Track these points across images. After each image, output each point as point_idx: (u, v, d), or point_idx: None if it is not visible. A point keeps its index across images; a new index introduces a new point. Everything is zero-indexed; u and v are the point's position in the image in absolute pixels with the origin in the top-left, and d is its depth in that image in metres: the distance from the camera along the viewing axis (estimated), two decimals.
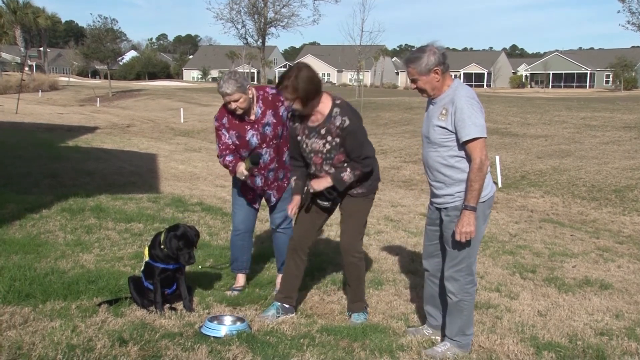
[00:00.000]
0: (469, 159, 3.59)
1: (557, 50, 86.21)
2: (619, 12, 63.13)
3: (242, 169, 4.32)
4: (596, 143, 16.71)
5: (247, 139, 4.47)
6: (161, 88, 54.57)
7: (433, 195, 3.87)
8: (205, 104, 35.69)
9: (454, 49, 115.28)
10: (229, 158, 4.47)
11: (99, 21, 48.17)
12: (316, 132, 4.11)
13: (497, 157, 12.88)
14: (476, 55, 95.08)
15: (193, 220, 7.17)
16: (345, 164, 4.08)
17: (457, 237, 3.60)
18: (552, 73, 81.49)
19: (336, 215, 4.48)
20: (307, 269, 5.45)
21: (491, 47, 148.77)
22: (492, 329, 4.30)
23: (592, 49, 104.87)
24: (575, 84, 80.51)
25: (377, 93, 48.25)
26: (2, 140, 15.62)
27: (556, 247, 7.32)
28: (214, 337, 3.71)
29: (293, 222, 4.54)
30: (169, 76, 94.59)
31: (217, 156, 4.60)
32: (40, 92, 43.91)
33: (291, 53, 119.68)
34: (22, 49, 51.35)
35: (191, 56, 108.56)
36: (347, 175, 4.05)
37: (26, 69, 51.78)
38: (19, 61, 64.62)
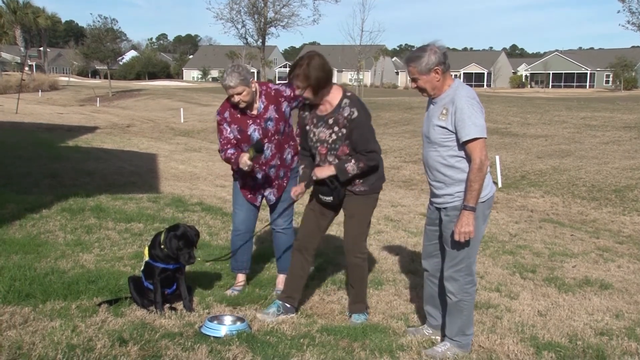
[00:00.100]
0: (468, 159, 3.59)
1: (557, 50, 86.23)
2: (619, 12, 63.24)
3: (245, 158, 4.30)
4: (596, 143, 16.71)
5: (249, 133, 4.46)
6: (161, 88, 54.57)
7: (433, 195, 3.87)
8: (205, 104, 35.68)
9: (454, 49, 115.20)
10: (230, 151, 4.46)
11: (99, 21, 48.23)
12: (324, 122, 4.12)
13: (497, 157, 12.87)
14: (476, 55, 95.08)
15: (193, 220, 7.17)
16: (350, 157, 4.08)
17: (456, 237, 3.60)
18: (552, 73, 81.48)
19: (339, 215, 4.47)
20: None
21: (491, 47, 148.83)
22: (492, 329, 4.30)
23: (592, 49, 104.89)
24: (575, 84, 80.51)
25: (377, 93, 48.26)
26: (2, 140, 15.62)
27: (556, 247, 7.32)
28: (214, 337, 3.71)
29: (294, 220, 4.54)
30: (169, 76, 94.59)
31: (219, 151, 4.59)
32: (40, 92, 43.90)
33: (291, 53, 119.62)
34: (22, 49, 51.35)
35: (191, 56, 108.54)
36: (351, 166, 4.05)
37: (26, 68, 51.78)
38: (19, 61, 64.64)
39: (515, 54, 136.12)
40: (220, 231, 6.76)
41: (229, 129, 4.51)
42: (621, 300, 5.31)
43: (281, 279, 4.90)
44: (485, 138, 3.58)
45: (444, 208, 3.75)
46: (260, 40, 40.98)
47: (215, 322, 3.86)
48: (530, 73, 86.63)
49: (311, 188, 4.32)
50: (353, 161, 4.05)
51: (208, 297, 4.54)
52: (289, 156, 4.64)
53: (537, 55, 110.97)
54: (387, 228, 7.72)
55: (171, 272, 4.21)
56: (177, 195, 8.90)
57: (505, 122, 21.47)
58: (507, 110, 24.53)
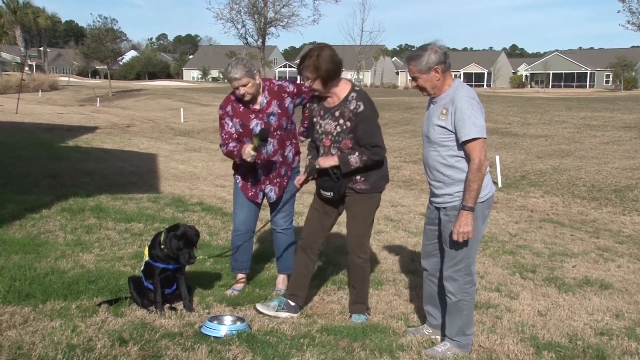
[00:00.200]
0: (468, 159, 3.59)
1: (557, 50, 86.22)
2: (619, 12, 63.27)
3: (248, 149, 4.29)
4: (596, 143, 16.70)
5: (251, 127, 4.46)
6: (161, 88, 54.56)
7: (432, 194, 3.88)
8: (205, 104, 35.67)
9: (454, 49, 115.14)
10: (232, 144, 4.46)
11: (99, 21, 48.17)
12: (330, 114, 4.14)
13: (497, 157, 12.87)
14: (476, 55, 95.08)
15: (193, 220, 7.17)
16: (354, 150, 4.08)
17: (455, 237, 3.60)
18: (552, 73, 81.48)
19: (342, 215, 4.47)
20: None
21: (491, 47, 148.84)
22: (492, 328, 4.30)
23: (592, 48, 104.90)
24: (575, 83, 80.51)
25: (377, 93, 48.26)
26: (2, 140, 15.62)
27: (556, 247, 7.32)
28: (214, 337, 3.71)
29: (294, 219, 4.53)
30: (169, 76, 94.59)
31: (220, 146, 4.58)
32: (40, 92, 43.89)
33: (291, 53, 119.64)
34: (22, 49, 51.34)
35: (191, 56, 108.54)
36: (354, 158, 4.05)
37: (26, 68, 51.77)
38: (19, 61, 64.63)
39: (515, 54, 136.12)
40: (220, 231, 6.76)
41: (230, 124, 4.50)
42: (621, 300, 5.31)
43: (281, 279, 4.91)
44: (485, 138, 3.58)
45: (444, 208, 3.76)
46: (260, 40, 40.96)
47: (215, 322, 3.86)
48: (530, 73, 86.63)
49: (314, 186, 4.33)
50: (357, 154, 4.06)
51: (208, 297, 4.54)
52: (290, 154, 4.64)
53: (537, 55, 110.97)
54: (387, 228, 7.72)
55: (171, 272, 4.21)
56: (177, 195, 8.90)
57: (505, 122, 21.46)
58: (507, 110, 24.52)
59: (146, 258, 4.26)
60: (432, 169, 3.79)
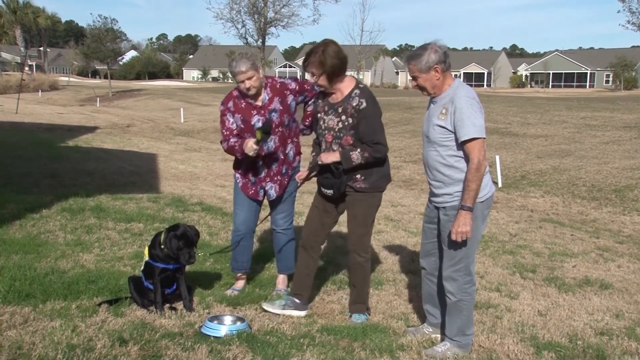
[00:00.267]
0: (468, 158, 3.59)
1: (557, 50, 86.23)
2: (619, 12, 63.16)
3: (251, 143, 4.29)
4: (596, 143, 16.70)
5: (253, 123, 4.45)
6: (161, 88, 54.56)
7: (432, 194, 3.88)
8: (205, 103, 35.68)
9: (454, 49, 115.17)
10: (233, 139, 4.46)
11: (99, 21, 48.19)
12: (334, 110, 4.16)
13: (497, 157, 12.86)
14: (476, 55, 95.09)
15: (193, 220, 7.17)
16: (356, 146, 4.09)
17: (453, 237, 3.60)
18: (552, 73, 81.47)
19: (343, 215, 4.47)
20: None
21: (491, 47, 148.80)
22: (492, 328, 4.30)
23: (592, 48, 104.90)
24: (575, 83, 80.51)
25: (377, 93, 47.91)
26: (2, 140, 15.62)
27: (556, 246, 7.31)
28: (214, 336, 3.71)
29: (294, 220, 4.53)
30: (169, 76, 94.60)
31: (221, 142, 4.58)
32: (40, 92, 43.90)
33: (291, 53, 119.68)
34: (22, 49, 51.33)
35: (191, 56, 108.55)
36: (356, 155, 4.06)
37: (26, 68, 51.77)
38: (19, 61, 64.63)
39: (515, 53, 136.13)
40: (220, 231, 6.76)
41: (231, 120, 4.50)
42: (621, 300, 5.31)
43: (281, 279, 4.91)
44: (484, 138, 3.58)
45: (443, 207, 3.76)
46: (260, 40, 40.94)
47: (215, 322, 3.86)
48: (530, 73, 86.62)
49: (314, 186, 4.34)
50: (358, 150, 4.06)
51: (208, 297, 4.54)
52: (291, 152, 4.63)
53: (537, 55, 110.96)
54: (387, 228, 7.72)
55: (171, 272, 4.21)
56: (177, 195, 8.90)
57: (505, 122, 21.46)
58: (507, 110, 24.52)
59: (146, 258, 4.26)
60: (432, 168, 3.80)
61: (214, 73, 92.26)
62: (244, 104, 4.48)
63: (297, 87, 4.55)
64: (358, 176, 4.15)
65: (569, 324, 4.52)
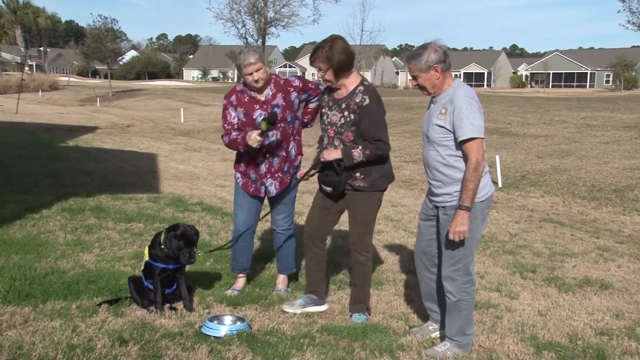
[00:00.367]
0: (467, 158, 3.59)
1: (557, 50, 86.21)
2: (619, 12, 63.10)
3: (255, 135, 4.28)
4: (596, 143, 16.70)
5: (254, 117, 4.45)
6: (161, 88, 54.56)
7: (432, 193, 3.88)
8: (206, 103, 35.69)
9: (454, 49, 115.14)
10: (235, 133, 4.46)
11: (99, 21, 48.21)
12: (337, 105, 4.18)
13: (497, 157, 12.86)
14: (476, 55, 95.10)
15: (193, 220, 7.16)
16: (357, 144, 4.10)
17: (450, 236, 3.60)
18: (552, 73, 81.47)
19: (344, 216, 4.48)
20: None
21: (491, 47, 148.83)
22: (492, 328, 4.30)
23: (592, 48, 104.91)
24: (575, 83, 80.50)
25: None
26: (2, 140, 15.62)
27: (556, 246, 7.31)
28: (214, 336, 3.71)
29: (295, 220, 4.52)
30: (169, 76, 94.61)
31: (222, 136, 4.58)
32: (40, 92, 43.89)
33: (291, 53, 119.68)
34: (22, 49, 51.32)
35: (191, 56, 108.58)
36: (357, 152, 4.06)
37: (26, 68, 51.77)
38: (19, 61, 64.63)
39: (515, 53, 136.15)
40: (220, 231, 6.76)
41: (233, 114, 4.50)
42: (621, 300, 5.31)
43: (281, 279, 4.90)
44: (483, 138, 3.58)
45: (443, 207, 3.76)
46: (260, 40, 40.93)
47: (215, 322, 3.86)
48: (531, 73, 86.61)
49: (315, 186, 4.35)
50: (360, 147, 4.07)
51: (208, 297, 4.54)
52: (293, 150, 4.62)
53: (537, 55, 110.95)
54: (387, 228, 7.72)
55: (171, 272, 4.21)
56: (177, 195, 8.90)
57: (505, 122, 21.46)
58: (507, 110, 24.52)
59: (146, 258, 4.25)
60: (431, 168, 3.80)
61: (214, 73, 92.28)
62: (247, 98, 4.49)
63: (300, 85, 4.55)
64: (358, 175, 4.15)
65: (569, 324, 4.52)
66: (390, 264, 5.96)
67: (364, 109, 4.07)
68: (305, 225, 4.51)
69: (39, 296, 4.18)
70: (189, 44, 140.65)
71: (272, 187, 4.60)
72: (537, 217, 9.65)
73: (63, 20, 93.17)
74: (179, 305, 4.27)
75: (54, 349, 3.34)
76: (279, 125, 4.45)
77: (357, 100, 4.09)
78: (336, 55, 4.05)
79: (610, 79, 74.98)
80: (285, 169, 4.60)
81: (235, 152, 4.64)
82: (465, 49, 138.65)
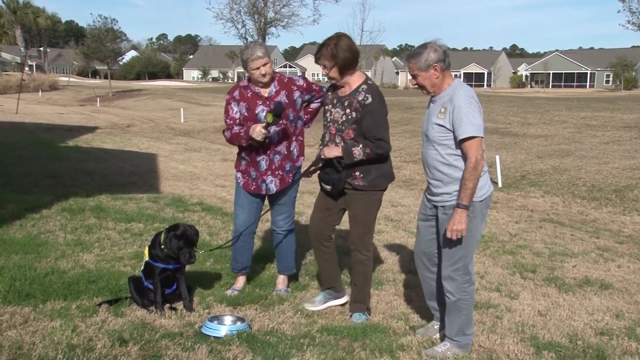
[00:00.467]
0: (466, 158, 3.60)
1: (557, 50, 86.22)
2: (619, 12, 62.96)
3: (259, 127, 4.28)
4: (596, 143, 16.70)
5: (256, 112, 4.45)
6: (161, 88, 54.56)
7: (431, 193, 3.88)
8: (205, 103, 35.69)
9: (454, 49, 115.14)
10: (237, 128, 4.46)
11: (99, 21, 48.21)
12: (341, 103, 4.20)
13: (497, 157, 12.86)
14: (476, 55, 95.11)
15: (193, 220, 7.16)
16: (358, 142, 4.11)
17: (448, 235, 3.61)
18: (552, 73, 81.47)
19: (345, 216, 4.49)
20: (307, 269, 5.47)
21: (491, 47, 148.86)
22: (492, 328, 4.30)
23: (592, 48, 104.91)
24: (575, 83, 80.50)
25: None
26: (2, 140, 15.62)
27: (556, 246, 7.31)
28: (214, 337, 3.71)
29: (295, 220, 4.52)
30: (169, 76, 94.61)
31: (223, 132, 4.57)
32: (40, 92, 43.89)
33: (291, 53, 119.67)
34: (22, 49, 51.32)
35: (191, 56, 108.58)
36: (358, 150, 4.08)
37: (26, 68, 51.76)
38: (19, 61, 64.61)
39: (515, 54, 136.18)
40: (220, 231, 6.76)
41: (236, 109, 4.50)
42: (621, 300, 5.31)
43: (281, 279, 4.90)
44: (482, 137, 3.58)
45: (442, 206, 3.76)
46: (261, 40, 40.94)
47: (215, 322, 3.86)
48: (531, 73, 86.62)
49: (315, 187, 4.37)
50: (361, 146, 4.09)
51: (208, 297, 4.54)
52: (295, 150, 4.61)
53: (537, 55, 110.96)
54: (387, 228, 7.72)
55: (171, 272, 4.21)
56: (177, 195, 8.89)
57: (505, 122, 21.46)
58: (507, 110, 24.53)
59: (146, 258, 4.25)
60: (431, 167, 3.80)
61: (214, 73, 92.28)
62: (250, 93, 4.50)
63: (304, 85, 4.56)
64: (357, 173, 4.16)
65: (569, 324, 4.52)
66: (390, 264, 5.96)
67: (367, 108, 4.08)
68: (309, 227, 4.55)
69: (39, 296, 4.18)
70: (189, 44, 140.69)
71: (273, 184, 4.58)
72: (537, 217, 9.65)
73: (63, 20, 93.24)
74: (179, 305, 4.27)
75: (54, 349, 3.34)
76: (280, 122, 4.45)
77: (360, 99, 4.10)
78: (341, 53, 4.07)
79: (610, 79, 74.98)
80: (288, 168, 4.59)
81: (235, 152, 4.64)
82: (465, 49, 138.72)
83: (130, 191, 9.00)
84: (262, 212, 4.80)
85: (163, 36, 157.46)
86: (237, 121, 4.49)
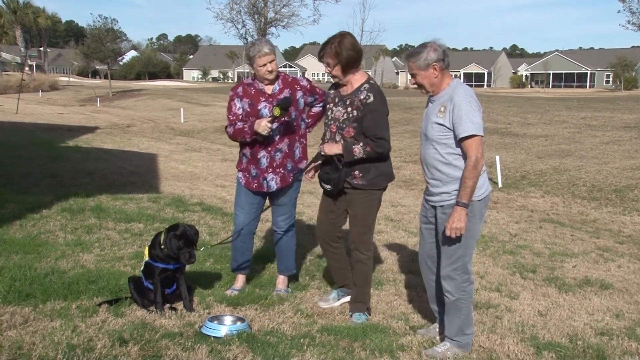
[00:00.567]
0: (466, 156, 3.60)
1: (557, 50, 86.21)
2: (619, 12, 62.75)
3: (265, 122, 4.28)
4: (596, 143, 16.70)
5: (259, 108, 4.46)
6: (161, 88, 54.56)
7: (429, 193, 3.87)
8: (206, 104, 35.69)
9: (454, 49, 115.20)
10: (239, 124, 4.47)
11: (99, 21, 48.19)
12: (342, 101, 4.22)
13: (497, 157, 12.86)
14: (476, 55, 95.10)
15: (193, 220, 7.16)
16: (358, 140, 4.12)
17: (447, 233, 3.61)
18: (552, 73, 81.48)
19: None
20: (307, 269, 5.47)
21: (491, 47, 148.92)
22: (492, 328, 4.30)
23: (592, 49, 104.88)
24: (575, 84, 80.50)
25: None
26: (2, 140, 15.62)
27: (556, 247, 7.31)
28: (214, 337, 3.71)
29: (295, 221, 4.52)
30: (169, 76, 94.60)
31: (226, 128, 4.58)
32: (40, 92, 43.90)
33: (291, 53, 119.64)
34: (22, 49, 51.32)
35: (191, 56, 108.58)
36: (358, 148, 4.09)
37: (26, 69, 51.76)
38: (19, 61, 64.56)
39: (515, 54, 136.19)
40: (221, 231, 6.76)
41: (238, 105, 4.51)
42: (621, 300, 5.31)
43: (281, 279, 4.90)
44: (482, 136, 3.59)
45: (441, 206, 3.76)
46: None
47: (215, 322, 3.86)
48: (531, 73, 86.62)
49: (316, 187, 4.38)
50: (361, 144, 4.10)
51: (208, 297, 4.54)
52: (297, 151, 4.61)
53: (537, 55, 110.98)
54: (387, 228, 7.72)
55: (171, 272, 4.21)
56: (177, 195, 8.89)
57: (505, 122, 21.46)
58: (507, 110, 24.52)
59: (146, 258, 4.26)
60: (430, 167, 3.80)
61: (214, 73, 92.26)
62: (253, 90, 4.51)
63: (308, 87, 4.58)
64: (356, 172, 4.17)
65: (569, 324, 4.52)
66: (390, 264, 5.97)
67: (368, 106, 4.10)
68: (316, 230, 4.64)
69: (39, 296, 4.18)
70: (189, 44, 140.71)
71: (273, 182, 4.57)
72: (537, 217, 9.64)
73: (63, 20, 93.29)
74: (179, 305, 4.27)
75: (54, 349, 3.34)
76: (282, 119, 4.45)
77: (362, 97, 4.12)
78: (344, 51, 4.09)
79: (610, 79, 74.95)
80: (289, 167, 4.58)
81: (235, 152, 4.64)
82: (465, 49, 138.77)
83: (130, 191, 9.00)
84: (263, 209, 4.80)
85: (163, 36, 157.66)
86: (240, 117, 4.50)
